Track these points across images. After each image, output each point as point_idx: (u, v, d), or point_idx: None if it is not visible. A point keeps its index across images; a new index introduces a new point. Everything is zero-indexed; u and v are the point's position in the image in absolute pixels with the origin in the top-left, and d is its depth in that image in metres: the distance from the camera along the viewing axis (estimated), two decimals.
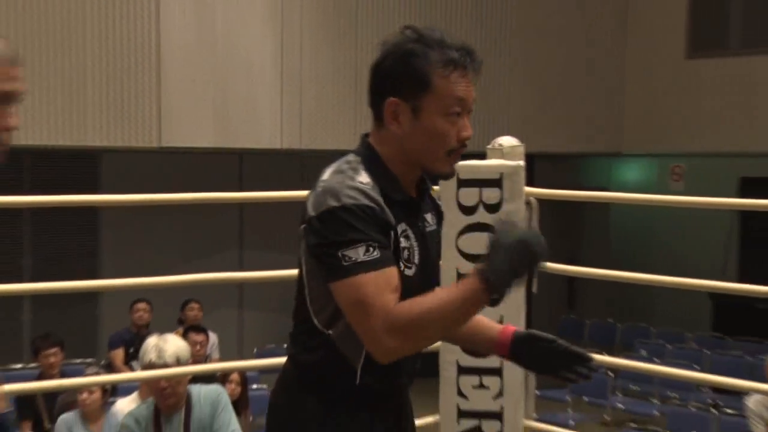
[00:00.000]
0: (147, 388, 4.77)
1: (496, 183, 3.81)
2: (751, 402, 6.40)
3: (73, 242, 10.07)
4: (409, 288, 2.25)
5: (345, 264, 2.16)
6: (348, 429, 2.39)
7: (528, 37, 10.65)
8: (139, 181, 8.28)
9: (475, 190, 3.78)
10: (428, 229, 2.40)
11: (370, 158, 2.31)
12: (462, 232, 3.84)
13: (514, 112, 10.52)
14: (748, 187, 10.06)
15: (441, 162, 2.31)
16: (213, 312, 9.64)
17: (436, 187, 2.60)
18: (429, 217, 2.42)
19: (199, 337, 7.52)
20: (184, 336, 7.41)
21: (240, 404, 6.21)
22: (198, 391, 4.34)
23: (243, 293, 11.10)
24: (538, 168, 9.38)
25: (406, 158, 2.31)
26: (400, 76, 2.26)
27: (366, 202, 2.20)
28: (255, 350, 9.86)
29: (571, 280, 11.28)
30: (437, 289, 2.25)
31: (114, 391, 6.63)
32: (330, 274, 2.21)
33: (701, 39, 10.76)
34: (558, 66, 10.73)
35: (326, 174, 2.29)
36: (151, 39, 8.99)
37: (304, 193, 4.35)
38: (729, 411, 7.25)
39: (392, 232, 2.25)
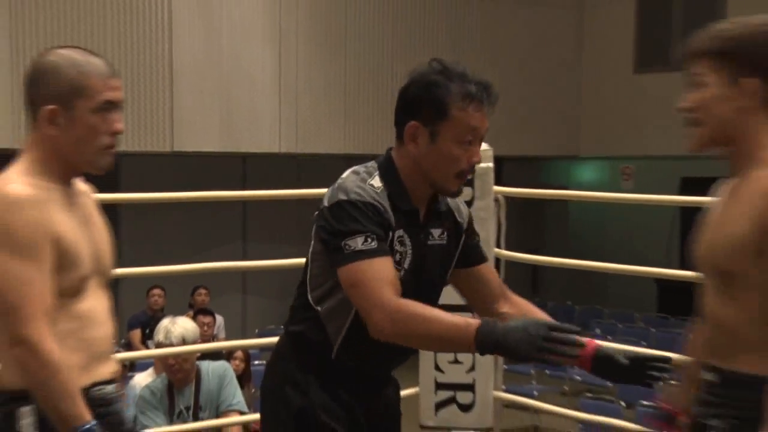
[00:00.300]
0: (159, 364, 4.76)
1: (468, 182, 3.80)
2: None
3: None
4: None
5: (346, 252, 2.17)
6: (318, 395, 2.39)
7: (495, 56, 10.63)
8: (154, 181, 8.24)
9: None
10: (431, 242, 2.37)
11: (387, 167, 2.32)
12: None
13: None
14: (688, 186, 10.09)
15: (450, 182, 2.30)
16: (219, 297, 9.61)
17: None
18: (437, 232, 2.38)
19: (207, 319, 7.50)
20: (194, 318, 7.39)
21: (244, 378, 6.19)
22: (206, 366, 4.33)
23: (246, 280, 11.07)
24: (505, 169, 9.38)
25: (419, 175, 2.30)
26: (422, 103, 2.27)
27: (370, 200, 2.21)
28: (257, 331, 9.84)
29: (535, 267, 11.29)
30: (444, 313, 2.17)
31: (132, 366, 6.61)
32: (334, 260, 2.22)
33: (647, 56, 10.79)
34: (522, 80, 10.72)
35: (345, 174, 2.31)
36: (164, 56, 8.96)
37: (300, 191, 4.36)
38: (672, 381, 7.25)
39: (390, 232, 2.25)
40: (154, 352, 4.20)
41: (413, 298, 2.22)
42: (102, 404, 2.18)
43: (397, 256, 2.27)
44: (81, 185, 2.27)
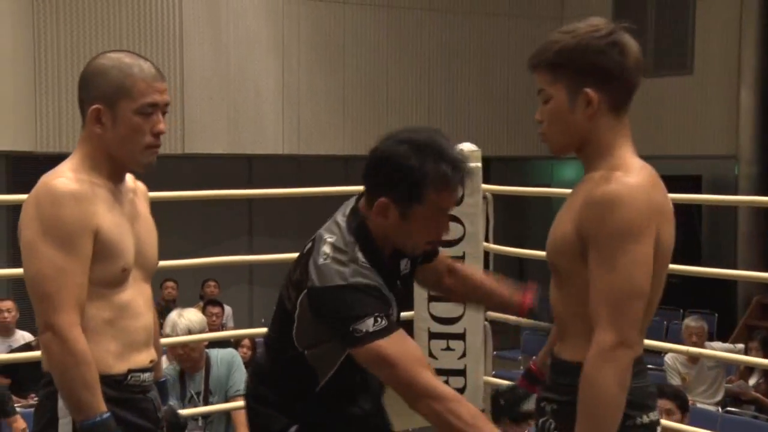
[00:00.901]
0: (171, 353, 4.73)
1: None
2: (669, 358, 6.39)
3: None
4: None
5: (357, 335, 2.01)
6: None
7: (484, 64, 10.61)
8: (167, 181, 8.19)
9: None
10: (402, 275, 2.25)
11: (364, 239, 2.12)
12: None
13: (473, 123, 10.48)
14: (665, 183, 10.06)
15: (419, 250, 2.21)
16: (228, 289, 9.57)
17: None
18: (403, 263, 2.24)
19: (216, 310, 7.47)
20: (203, 309, 7.35)
21: (250, 365, 6.15)
22: (216, 354, 4.30)
23: (252, 273, 11.03)
24: (492, 169, 9.34)
25: (389, 240, 2.15)
26: (396, 184, 2.06)
27: (370, 282, 2.05)
28: (263, 320, 9.79)
29: (521, 260, 11.26)
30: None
31: None
32: (345, 342, 2.07)
33: None
34: (508, 85, 10.69)
35: (326, 247, 2.11)
36: (176, 67, 8.92)
37: (301, 190, 4.32)
38: (650, 366, 7.21)
39: (392, 308, 2.12)
40: (166, 340, 4.16)
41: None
42: (138, 391, 2.15)
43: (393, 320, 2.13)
44: (132, 183, 2.25)
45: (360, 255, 2.08)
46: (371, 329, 2.00)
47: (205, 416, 4.21)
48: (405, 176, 2.05)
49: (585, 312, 1.90)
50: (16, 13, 8.10)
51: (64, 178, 2.04)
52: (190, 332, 4.21)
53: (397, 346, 2.02)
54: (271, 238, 10.36)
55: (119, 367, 2.09)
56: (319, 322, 2.11)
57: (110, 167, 2.12)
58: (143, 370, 2.16)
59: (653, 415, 1.99)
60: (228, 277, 9.55)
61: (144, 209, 2.27)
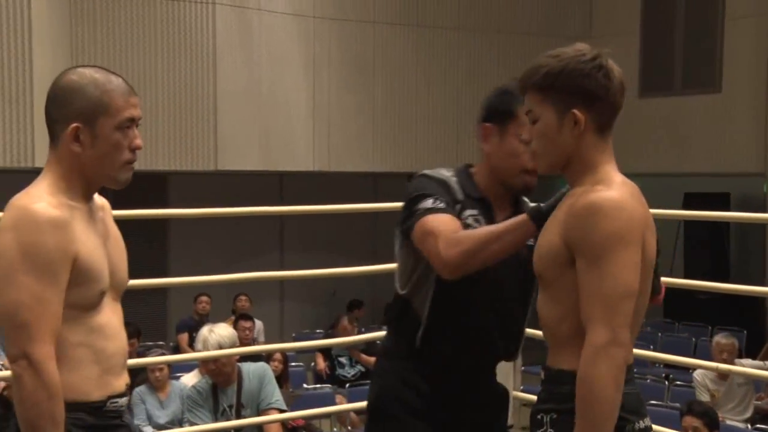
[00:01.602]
0: (203, 366, 4.74)
1: None
2: (698, 375, 6.31)
3: (147, 247, 10.05)
4: (492, 275, 2.26)
5: (417, 212, 2.23)
6: (396, 384, 2.33)
7: (504, 81, 10.59)
8: (199, 197, 8.25)
9: None
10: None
11: (460, 168, 2.41)
12: None
13: None
14: (690, 201, 9.97)
15: (518, 177, 2.34)
16: (259, 303, 9.59)
17: None
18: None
19: (248, 324, 7.48)
20: (235, 323, 7.37)
21: (282, 378, 6.15)
22: (248, 367, 4.30)
23: (283, 288, 11.05)
24: None
25: (490, 172, 2.36)
26: (491, 108, 2.38)
27: (438, 176, 2.31)
28: (293, 334, 9.80)
29: None
30: (492, 226, 2.23)
31: (175, 366, 6.59)
32: (408, 226, 2.25)
33: (650, 82, 10.69)
34: None
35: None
36: (209, 85, 8.97)
37: (332, 206, 4.32)
38: (678, 383, 7.16)
39: (458, 206, 2.27)
40: (197, 355, 4.17)
41: (493, 279, 2.25)
42: (114, 416, 2.09)
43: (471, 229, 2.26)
44: (99, 200, 2.17)
45: (449, 171, 2.36)
46: (429, 206, 2.23)
47: (237, 429, 4.20)
48: (501, 100, 2.38)
49: (571, 317, 1.96)
50: (55, 33, 8.20)
51: (44, 202, 1.95)
52: (220, 347, 4.22)
53: (439, 222, 2.19)
54: (302, 253, 10.39)
55: (98, 394, 2.03)
56: (400, 224, 2.31)
57: (84, 187, 2.05)
58: (120, 395, 2.10)
59: (646, 421, 2.03)
60: (259, 292, 9.57)
61: (112, 226, 2.19)
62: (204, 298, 8.66)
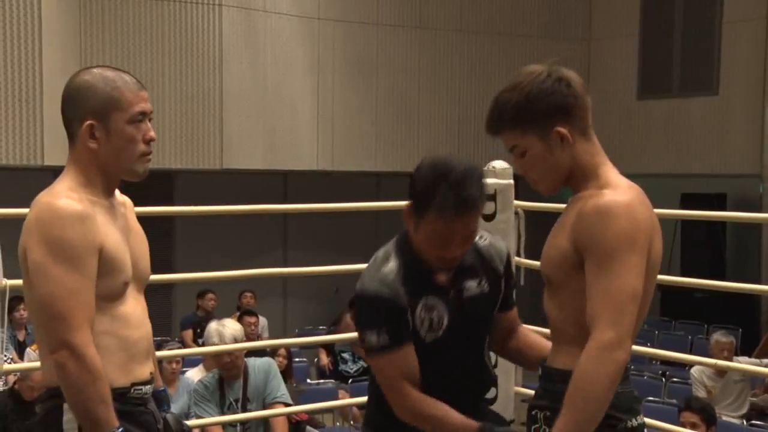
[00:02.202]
0: (210, 361, 4.74)
1: (491, 197, 3.75)
2: (695, 371, 6.33)
3: (153, 244, 10.06)
4: (437, 349, 2.25)
5: (366, 347, 2.22)
6: None
7: (504, 82, 10.60)
8: (205, 196, 8.28)
9: None
10: (469, 295, 2.28)
11: (402, 243, 2.27)
12: None
13: (500, 142, 10.47)
14: (687, 201, 9.98)
15: (435, 263, 2.23)
16: (263, 300, 9.60)
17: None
18: (473, 283, 2.29)
19: (252, 320, 7.49)
20: (240, 319, 7.39)
21: (286, 374, 6.17)
22: (253, 362, 4.31)
23: (287, 286, 11.07)
24: (520, 186, 9.32)
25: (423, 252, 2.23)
26: (413, 195, 2.20)
27: (381, 292, 2.18)
28: (296, 330, 9.82)
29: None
30: (449, 410, 2.21)
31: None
32: (367, 355, 2.27)
33: (649, 84, 10.71)
34: None
35: (378, 252, 2.29)
36: (215, 85, 8.99)
37: (335, 205, 4.34)
38: (675, 380, 7.17)
39: (407, 313, 2.21)
40: (208, 349, 4.18)
41: (460, 351, 2.25)
42: (139, 403, 2.13)
43: (427, 324, 2.23)
44: (120, 197, 2.21)
45: (392, 261, 2.22)
46: (374, 343, 2.19)
47: (243, 423, 4.22)
48: (420, 191, 2.18)
49: (577, 317, 1.97)
50: (64, 35, 8.23)
51: (67, 198, 2.00)
52: (235, 340, 4.25)
53: (389, 368, 2.20)
54: (305, 251, 10.41)
55: (123, 380, 2.08)
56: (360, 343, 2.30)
57: (104, 182, 2.09)
58: (144, 383, 2.14)
59: (639, 419, 2.04)
60: (263, 289, 9.59)
61: (134, 222, 2.24)
62: (210, 295, 8.69)
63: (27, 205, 3.18)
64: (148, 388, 2.16)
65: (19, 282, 3.14)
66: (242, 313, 7.76)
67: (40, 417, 2.10)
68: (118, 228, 2.11)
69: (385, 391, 2.24)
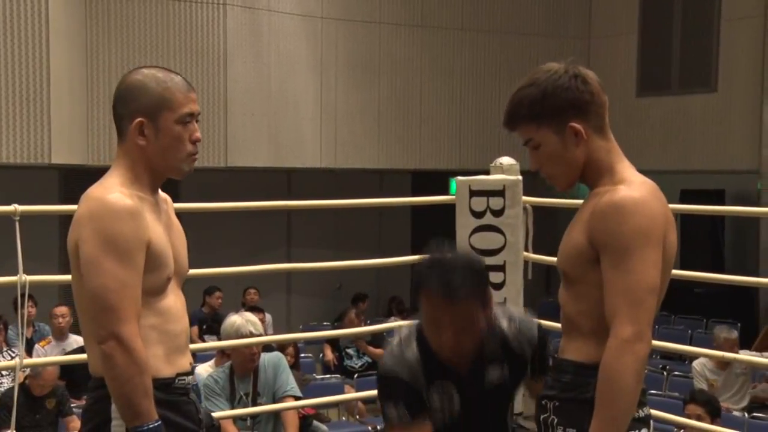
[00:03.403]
0: (223, 357, 4.73)
1: (499, 193, 3.76)
2: (697, 364, 6.34)
3: None
4: (442, 427, 2.33)
5: (386, 420, 2.33)
6: None
7: (512, 82, 10.55)
8: (210, 193, 8.27)
9: (483, 199, 3.74)
10: (488, 382, 2.35)
11: (419, 337, 2.35)
12: (474, 232, 3.80)
13: (503, 139, 10.48)
14: (686, 197, 9.98)
15: (439, 350, 2.30)
16: (267, 296, 9.61)
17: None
18: (495, 373, 2.36)
19: (259, 316, 7.47)
20: None
21: (294, 368, 6.17)
22: (263, 357, 4.31)
23: (290, 282, 11.06)
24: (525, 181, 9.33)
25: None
26: (415, 285, 2.33)
27: (402, 373, 2.30)
28: (300, 326, 9.82)
29: (548, 269, 11.21)
30: None
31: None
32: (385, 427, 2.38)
33: (648, 81, 10.71)
34: None
35: (400, 331, 2.40)
36: (220, 84, 8.99)
37: (338, 201, 4.34)
38: (676, 373, 7.17)
39: (422, 391, 2.30)
40: (235, 342, 4.17)
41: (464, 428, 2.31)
42: (182, 393, 2.16)
43: (437, 403, 2.32)
44: (161, 193, 2.25)
45: (413, 347, 2.32)
46: (393, 416, 2.30)
47: (254, 416, 4.22)
48: (416, 278, 2.31)
49: (593, 310, 1.99)
50: (70, 34, 8.22)
51: (117, 193, 2.03)
52: (260, 333, 4.27)
53: None
54: (309, 248, 10.40)
55: (167, 371, 2.11)
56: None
57: (150, 179, 2.13)
58: (187, 374, 2.18)
59: (646, 410, 2.07)
60: (267, 286, 9.59)
61: (174, 218, 2.28)
62: (218, 293, 8.71)
63: (35, 202, 3.20)
64: (190, 379, 2.19)
65: (34, 278, 3.15)
66: (248, 310, 7.75)
67: (89, 405, 2.13)
68: (162, 224, 2.14)
69: None
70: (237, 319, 4.32)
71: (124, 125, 2.12)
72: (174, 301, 2.16)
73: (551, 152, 2.04)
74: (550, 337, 2.51)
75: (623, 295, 1.92)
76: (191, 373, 2.21)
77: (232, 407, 4.16)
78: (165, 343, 2.11)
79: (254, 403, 4.20)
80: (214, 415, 3.92)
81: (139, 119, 2.09)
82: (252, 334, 4.21)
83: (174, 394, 2.12)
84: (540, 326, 2.48)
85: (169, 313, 2.13)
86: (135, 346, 1.98)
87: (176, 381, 2.13)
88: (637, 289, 1.92)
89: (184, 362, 2.18)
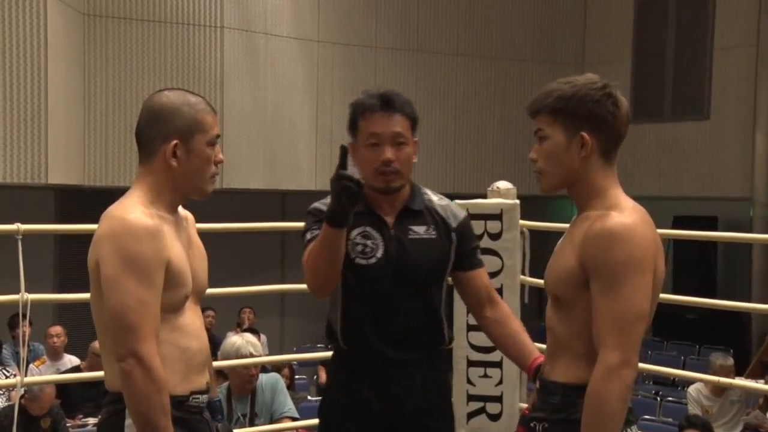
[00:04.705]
0: (216, 377, 4.74)
1: (497, 217, 3.79)
2: (692, 390, 6.36)
3: None
4: (371, 275, 2.43)
5: (304, 246, 2.47)
6: (333, 391, 2.54)
7: (509, 108, 10.68)
8: (205, 214, 8.29)
9: (481, 222, 3.76)
10: (413, 237, 2.48)
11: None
12: None
13: (498, 163, 10.56)
14: (679, 224, 10.04)
15: (373, 182, 2.46)
16: (260, 318, 9.61)
17: None
18: (421, 228, 2.50)
19: (255, 337, 7.49)
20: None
21: (290, 389, 6.18)
22: (261, 378, 4.32)
23: (284, 304, 11.07)
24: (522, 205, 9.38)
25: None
26: (351, 122, 2.59)
27: (324, 208, 2.43)
28: (294, 348, 9.82)
29: (541, 293, 11.24)
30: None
31: None
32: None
33: (642, 108, 10.80)
34: (531, 127, 10.75)
35: None
36: (216, 106, 8.99)
37: None
38: (670, 399, 7.20)
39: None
40: (223, 363, 4.18)
41: (397, 288, 2.43)
42: (195, 411, 2.18)
43: (360, 248, 2.44)
44: (182, 211, 2.28)
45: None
46: (308, 239, 2.45)
47: None
48: (350, 116, 2.54)
49: (583, 332, 2.01)
50: (68, 56, 8.27)
51: (138, 212, 2.06)
52: (259, 354, 4.29)
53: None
54: (303, 270, 10.42)
55: (182, 389, 2.13)
56: None
57: (172, 198, 2.16)
58: (202, 392, 2.20)
59: (634, 429, 2.09)
60: (260, 308, 9.59)
61: (195, 236, 2.31)
62: (210, 312, 8.69)
63: (31, 221, 3.22)
64: (204, 398, 2.21)
65: (35, 296, 3.17)
66: (244, 331, 7.76)
67: (103, 419, 2.16)
68: (181, 242, 2.17)
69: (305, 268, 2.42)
70: (237, 339, 4.34)
71: (155, 146, 2.14)
72: (192, 318, 2.19)
73: (553, 149, 2.08)
74: None
75: (612, 322, 1.95)
76: (206, 392, 2.23)
77: (229, 427, 4.17)
78: (183, 360, 2.14)
79: (251, 424, 4.20)
80: None
81: (174, 141, 2.12)
82: (252, 355, 4.23)
83: (187, 412, 2.14)
84: (468, 216, 2.63)
85: (187, 330, 2.16)
86: (153, 365, 2.00)
87: (190, 399, 2.15)
88: (626, 316, 1.94)
89: (201, 381, 2.19)
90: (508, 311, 2.63)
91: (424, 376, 2.51)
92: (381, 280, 2.43)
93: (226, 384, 4.35)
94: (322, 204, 2.49)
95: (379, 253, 2.44)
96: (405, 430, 2.49)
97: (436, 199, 2.59)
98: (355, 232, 2.44)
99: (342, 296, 2.49)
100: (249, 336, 4.43)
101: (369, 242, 2.45)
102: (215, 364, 5.42)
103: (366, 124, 2.47)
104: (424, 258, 2.48)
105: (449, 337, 2.60)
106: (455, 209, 2.59)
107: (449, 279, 2.61)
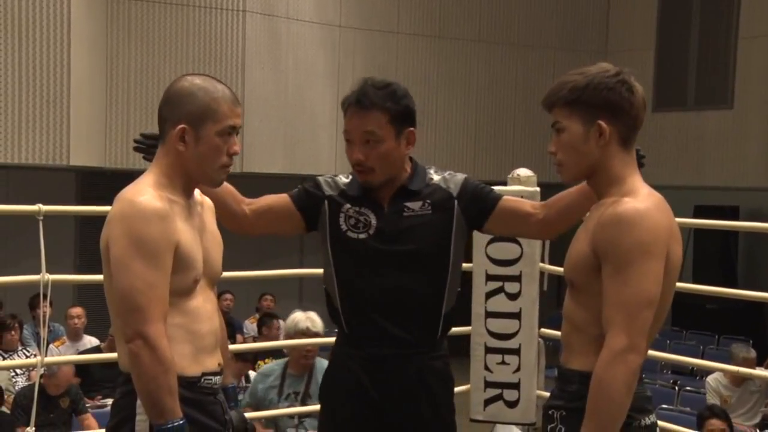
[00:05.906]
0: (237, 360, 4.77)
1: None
2: (711, 380, 6.33)
3: None
4: (362, 248, 2.45)
5: None
6: (331, 373, 2.57)
7: (529, 96, 10.62)
8: None
9: None
10: (409, 214, 2.47)
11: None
12: (490, 242, 3.80)
13: (518, 151, 10.51)
14: (700, 213, 9.96)
15: (356, 170, 2.48)
16: (279, 303, 9.62)
17: None
18: (416, 204, 2.48)
19: (276, 323, 7.53)
20: (261, 321, 7.41)
21: None
22: (320, 362, 4.31)
23: (302, 289, 11.08)
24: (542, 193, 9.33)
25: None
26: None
27: (321, 182, 2.54)
28: None
29: (560, 281, 11.19)
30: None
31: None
32: None
33: (665, 97, 10.72)
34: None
35: None
36: (237, 90, 9.02)
37: None
38: (688, 389, 7.16)
39: (323, 203, 2.51)
40: (287, 342, 4.37)
41: (392, 265, 2.42)
42: (208, 393, 2.19)
43: (353, 221, 2.47)
44: (199, 197, 2.28)
45: (349, 177, 2.55)
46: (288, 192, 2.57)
47: (301, 416, 4.21)
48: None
49: (597, 318, 2.01)
50: (91, 39, 8.29)
51: (148, 195, 2.07)
52: (317, 331, 4.36)
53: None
54: (320, 256, 10.43)
55: (193, 370, 2.14)
56: None
57: (184, 183, 2.16)
58: (214, 374, 2.20)
59: (652, 418, 2.08)
60: (279, 293, 9.61)
61: (210, 222, 2.30)
62: (228, 296, 8.73)
63: (52, 203, 3.23)
64: (217, 379, 2.22)
65: (56, 277, 3.19)
66: (263, 315, 7.79)
67: (117, 399, 2.18)
68: (193, 227, 2.17)
69: None
70: (299, 315, 4.43)
71: (166, 129, 2.15)
72: (202, 302, 2.19)
73: (571, 141, 2.07)
74: None
75: (619, 306, 1.94)
76: (219, 373, 2.23)
77: (279, 401, 4.21)
78: (192, 342, 2.14)
79: (302, 404, 4.21)
80: (266, 413, 3.96)
81: (181, 126, 2.12)
82: (308, 330, 4.27)
83: (199, 393, 2.15)
84: (467, 177, 2.60)
85: (197, 313, 2.16)
86: (160, 346, 2.01)
87: (202, 380, 2.16)
88: (634, 301, 1.94)
89: (212, 362, 2.20)
90: (549, 200, 2.57)
91: (419, 358, 2.47)
92: (376, 256, 2.43)
93: (285, 359, 4.41)
94: (327, 179, 2.54)
95: (372, 230, 2.45)
96: (398, 414, 2.47)
97: (437, 176, 2.56)
98: (348, 205, 2.48)
99: (335, 272, 2.50)
100: (312, 314, 4.48)
101: (362, 218, 2.46)
102: (278, 343, 5.45)
103: (345, 120, 2.48)
104: (417, 233, 2.47)
105: (448, 317, 2.52)
106: (455, 176, 2.55)
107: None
